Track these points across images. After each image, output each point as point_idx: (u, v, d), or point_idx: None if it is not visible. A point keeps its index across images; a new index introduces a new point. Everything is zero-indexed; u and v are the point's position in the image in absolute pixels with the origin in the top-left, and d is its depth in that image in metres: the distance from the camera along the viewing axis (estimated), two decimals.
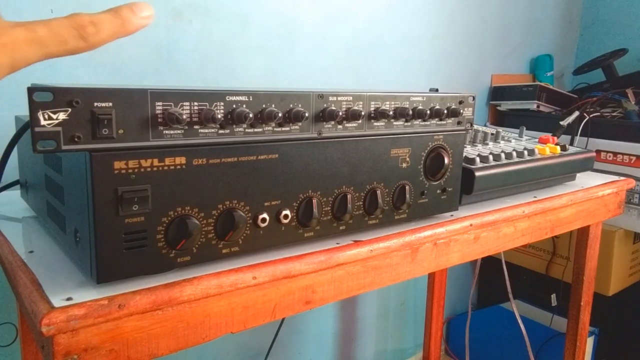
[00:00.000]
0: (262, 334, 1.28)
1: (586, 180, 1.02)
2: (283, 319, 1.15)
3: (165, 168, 0.46)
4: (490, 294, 1.79)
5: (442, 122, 0.68)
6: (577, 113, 1.42)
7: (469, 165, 0.76)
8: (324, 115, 0.56)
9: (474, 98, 0.72)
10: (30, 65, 0.26)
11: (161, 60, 1.01)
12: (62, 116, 0.40)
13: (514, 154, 0.85)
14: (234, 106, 0.49)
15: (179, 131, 0.46)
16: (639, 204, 1.39)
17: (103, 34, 0.30)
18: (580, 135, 1.43)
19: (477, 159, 0.78)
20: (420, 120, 0.65)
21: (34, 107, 0.38)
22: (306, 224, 0.57)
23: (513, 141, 0.99)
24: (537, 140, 1.03)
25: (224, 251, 0.51)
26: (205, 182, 0.49)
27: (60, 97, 0.40)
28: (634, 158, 1.37)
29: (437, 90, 0.83)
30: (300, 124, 0.54)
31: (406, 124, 0.64)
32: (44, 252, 0.55)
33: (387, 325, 1.65)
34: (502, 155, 0.83)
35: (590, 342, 1.48)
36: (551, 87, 1.72)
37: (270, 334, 1.20)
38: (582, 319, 1.09)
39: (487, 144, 0.92)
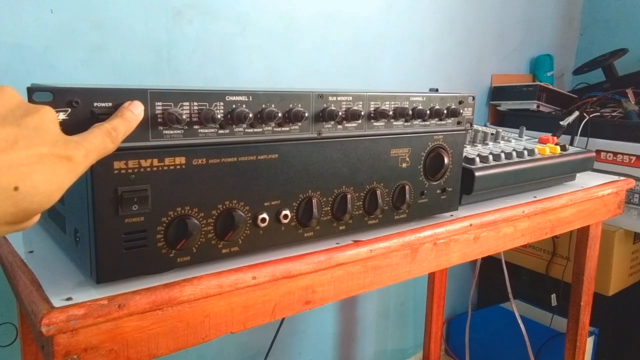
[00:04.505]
0: (262, 334, 1.27)
1: (586, 180, 1.02)
2: (283, 319, 1.15)
3: (165, 168, 0.46)
4: (490, 294, 1.79)
5: (442, 122, 0.68)
6: (577, 113, 1.42)
7: (468, 165, 0.76)
8: (324, 115, 0.56)
9: (473, 98, 0.72)
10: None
11: (161, 60, 1.01)
12: (62, 116, 0.40)
13: (514, 154, 0.85)
14: (234, 106, 0.49)
15: (178, 131, 0.46)
16: (639, 204, 1.39)
17: (120, 134, 0.39)
18: (580, 135, 1.43)
19: (477, 159, 0.78)
20: (420, 120, 0.66)
21: None
22: (306, 224, 0.57)
23: (513, 141, 0.99)
24: (537, 140, 1.03)
25: (223, 251, 0.51)
26: (205, 182, 0.49)
27: (60, 97, 0.40)
28: (634, 158, 1.37)
29: (437, 90, 0.83)
30: (300, 124, 0.54)
31: (406, 124, 0.64)
32: (44, 252, 0.55)
33: (387, 325, 1.65)
34: (502, 155, 0.83)
35: (590, 342, 1.48)
36: (551, 87, 1.72)
37: (270, 334, 1.20)
38: (582, 319, 1.09)
39: (487, 144, 0.92)
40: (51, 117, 0.32)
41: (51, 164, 0.30)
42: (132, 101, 0.43)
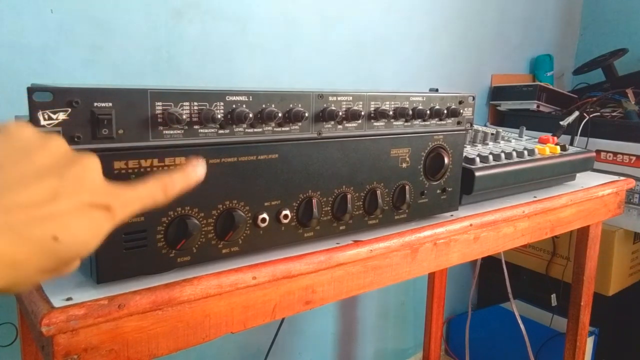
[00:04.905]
0: (262, 334, 1.27)
1: (586, 180, 1.02)
2: (283, 319, 1.15)
3: (165, 168, 0.46)
4: (490, 294, 1.79)
5: (442, 122, 0.68)
6: (577, 113, 1.42)
7: (469, 165, 0.76)
8: (324, 115, 0.56)
9: (473, 98, 0.72)
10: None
11: (161, 60, 1.01)
12: (62, 116, 0.40)
13: (514, 154, 0.85)
14: (234, 106, 0.49)
15: (178, 131, 0.46)
16: (639, 204, 1.39)
17: (176, 189, 0.39)
18: (580, 135, 1.43)
19: (477, 159, 0.78)
20: (420, 120, 0.65)
21: (33, 107, 0.38)
22: (306, 224, 0.57)
23: (513, 141, 0.99)
24: (537, 140, 1.03)
25: (223, 251, 0.51)
26: (205, 182, 0.49)
27: (60, 97, 0.40)
28: (634, 158, 1.37)
29: (437, 90, 0.83)
30: (300, 124, 0.54)
31: (406, 124, 0.64)
32: None
33: (387, 325, 1.65)
34: (502, 155, 0.83)
35: (590, 342, 1.48)
36: (551, 87, 1.72)
37: (270, 334, 1.20)
38: (582, 319, 1.09)
39: (487, 144, 0.92)
40: (93, 166, 0.33)
41: (90, 213, 0.31)
42: (199, 158, 0.42)
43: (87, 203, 0.31)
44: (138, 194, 0.35)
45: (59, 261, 0.30)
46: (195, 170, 0.41)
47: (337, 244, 0.60)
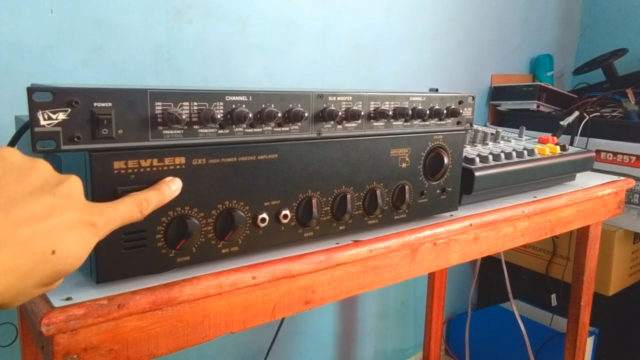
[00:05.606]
0: (262, 334, 1.28)
1: (586, 180, 1.02)
2: (283, 319, 1.15)
3: (165, 168, 0.46)
4: (490, 294, 1.79)
5: (442, 122, 0.68)
6: (577, 113, 1.42)
7: (468, 165, 0.76)
8: (324, 115, 0.56)
9: (473, 98, 0.72)
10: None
11: (161, 60, 1.01)
12: (61, 116, 0.40)
13: (514, 154, 0.85)
14: (234, 106, 0.49)
15: (178, 131, 0.46)
16: (639, 204, 1.39)
17: (151, 206, 0.42)
18: (580, 135, 1.43)
19: (477, 159, 0.78)
20: (419, 120, 0.66)
21: (33, 107, 0.38)
22: (306, 224, 0.57)
23: (513, 141, 0.99)
24: (537, 140, 1.03)
25: (223, 251, 0.51)
26: (204, 182, 0.49)
27: (59, 97, 0.40)
28: (634, 158, 1.37)
29: (437, 90, 0.83)
30: (299, 124, 0.54)
31: (406, 124, 0.64)
32: None
33: (387, 325, 1.65)
34: (502, 155, 0.83)
35: (590, 342, 1.48)
36: (551, 87, 1.72)
37: (270, 334, 1.20)
38: (582, 319, 1.09)
39: (486, 144, 0.92)
40: (78, 186, 0.34)
41: (80, 228, 0.33)
42: (173, 178, 0.46)
43: (77, 219, 0.32)
44: (118, 212, 0.37)
45: (55, 274, 0.31)
46: (170, 188, 0.45)
47: (337, 244, 0.60)
